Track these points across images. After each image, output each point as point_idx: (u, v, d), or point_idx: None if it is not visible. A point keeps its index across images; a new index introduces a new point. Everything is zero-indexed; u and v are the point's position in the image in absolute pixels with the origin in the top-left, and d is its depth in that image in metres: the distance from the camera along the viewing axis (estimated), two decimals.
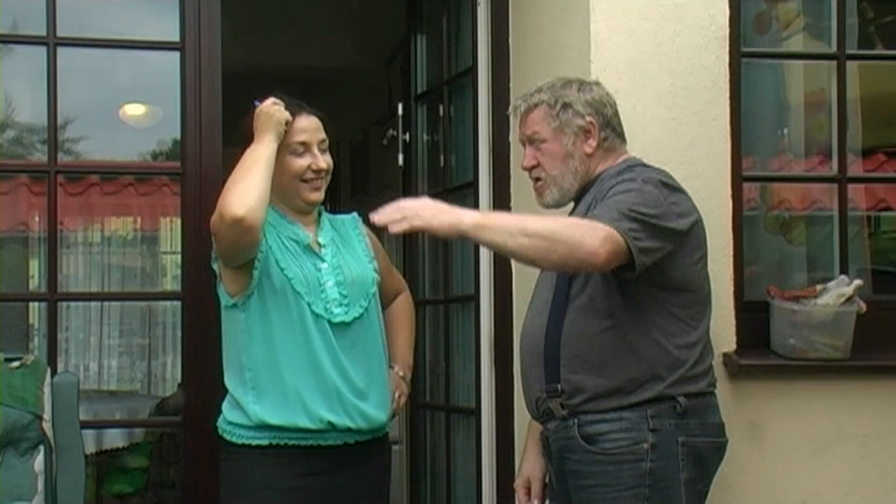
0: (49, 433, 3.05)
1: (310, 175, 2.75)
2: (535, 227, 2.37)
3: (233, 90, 3.43)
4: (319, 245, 2.79)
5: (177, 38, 3.39)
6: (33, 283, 6.15)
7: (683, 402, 2.50)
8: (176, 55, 3.39)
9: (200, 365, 3.36)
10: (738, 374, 3.05)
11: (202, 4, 3.38)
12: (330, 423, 2.66)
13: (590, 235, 2.34)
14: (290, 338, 2.67)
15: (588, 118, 2.66)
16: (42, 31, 3.33)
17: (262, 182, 2.60)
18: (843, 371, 3.12)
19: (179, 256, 3.71)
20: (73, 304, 7.07)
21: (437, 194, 3.91)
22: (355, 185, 7.08)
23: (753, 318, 3.14)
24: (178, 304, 3.61)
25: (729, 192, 3.13)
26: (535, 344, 2.62)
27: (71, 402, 3.12)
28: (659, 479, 2.47)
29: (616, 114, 2.71)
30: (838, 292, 3.08)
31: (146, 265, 7.56)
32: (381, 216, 2.39)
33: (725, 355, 3.05)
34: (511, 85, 3.52)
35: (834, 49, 3.43)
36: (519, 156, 2.82)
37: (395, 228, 2.37)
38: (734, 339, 3.11)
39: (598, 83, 2.76)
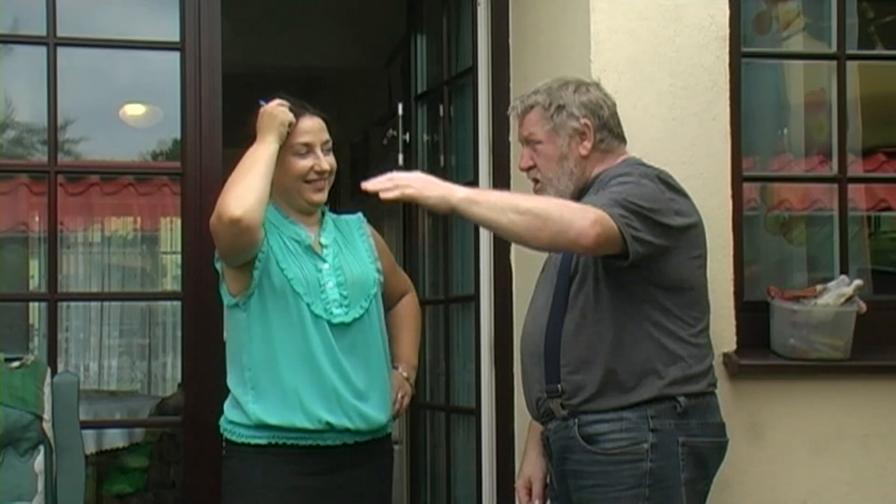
0: (49, 433, 3.05)
1: (313, 176, 2.75)
2: (526, 204, 2.39)
3: (233, 90, 3.43)
4: (321, 246, 2.79)
5: (177, 38, 3.39)
6: (33, 283, 6.15)
7: (683, 402, 2.50)
8: (176, 55, 3.39)
9: (200, 365, 3.36)
10: (738, 374, 3.05)
11: (202, 4, 3.38)
12: (328, 423, 2.66)
13: (580, 216, 2.35)
14: (289, 338, 2.67)
15: (583, 120, 2.65)
16: (42, 31, 3.34)
17: (262, 183, 2.60)
18: (843, 371, 3.12)
19: (179, 256, 3.71)
20: (73, 304, 7.08)
21: None
22: (355, 185, 7.07)
23: (753, 318, 3.14)
24: (178, 304, 3.61)
25: (729, 192, 3.13)
26: (536, 344, 2.62)
27: (71, 402, 3.12)
28: (659, 479, 2.47)
29: (613, 115, 2.70)
30: (838, 292, 3.08)
31: (146, 265, 7.57)
32: (372, 184, 2.41)
33: (725, 355, 3.05)
34: (511, 85, 3.52)
35: (834, 49, 3.43)
36: (519, 156, 2.82)
37: (385, 195, 2.39)
38: (734, 339, 3.11)
39: (596, 84, 2.75)
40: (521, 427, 3.30)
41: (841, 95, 3.41)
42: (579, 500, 2.55)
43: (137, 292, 7.63)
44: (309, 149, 2.74)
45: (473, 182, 3.62)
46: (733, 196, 3.14)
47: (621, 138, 2.72)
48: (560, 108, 2.65)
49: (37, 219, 6.09)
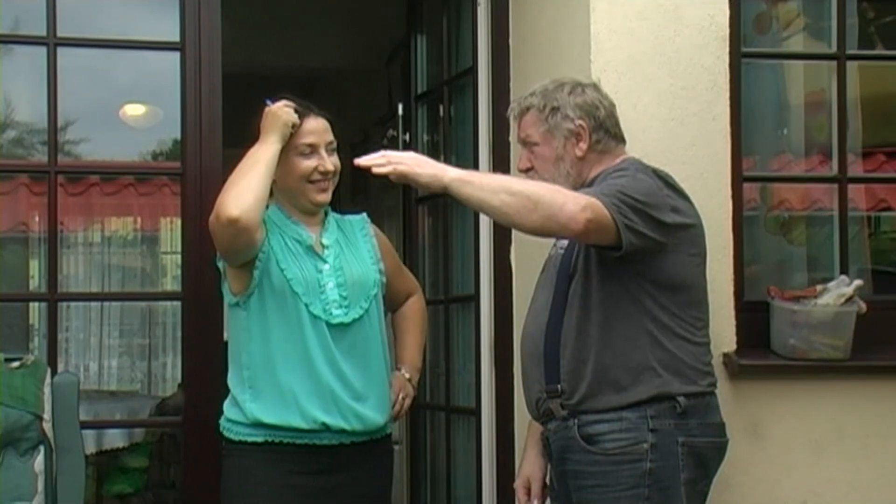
0: (49, 433, 3.05)
1: (316, 176, 2.75)
2: (518, 186, 2.41)
3: (233, 90, 3.43)
4: (323, 246, 2.79)
5: (177, 38, 3.39)
6: (33, 283, 6.15)
7: (683, 402, 2.50)
8: (176, 55, 3.39)
9: (200, 365, 3.36)
10: (738, 374, 3.05)
11: (202, 4, 3.38)
12: (324, 423, 2.66)
13: (572, 200, 2.36)
14: (286, 338, 2.68)
15: (578, 121, 2.65)
16: (42, 31, 3.34)
17: (261, 183, 2.60)
18: (843, 371, 3.12)
19: (179, 256, 3.71)
20: (73, 304, 7.08)
21: (436, 194, 3.92)
22: (355, 185, 7.11)
23: (753, 318, 3.14)
24: (178, 304, 3.61)
25: (729, 192, 3.13)
26: (536, 344, 2.62)
27: (71, 403, 3.13)
28: (659, 479, 2.47)
29: (610, 115, 2.70)
30: (838, 292, 3.08)
31: (146, 265, 7.57)
32: (365, 160, 2.44)
33: (725, 355, 3.05)
34: (511, 85, 3.52)
35: (834, 49, 3.43)
36: (517, 157, 2.83)
37: (378, 170, 2.42)
38: (734, 339, 3.11)
39: (593, 85, 2.75)
40: (521, 427, 3.30)
41: (841, 95, 3.41)
42: (579, 500, 2.55)
43: (137, 292, 7.63)
44: (313, 149, 2.74)
45: None
46: (733, 196, 3.14)
47: (619, 139, 2.72)
48: (555, 109, 2.65)
49: (37, 219, 6.09)
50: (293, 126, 2.70)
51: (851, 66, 3.46)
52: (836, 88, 3.42)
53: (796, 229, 3.58)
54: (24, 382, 3.04)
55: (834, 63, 3.43)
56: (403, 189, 4.28)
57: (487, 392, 3.58)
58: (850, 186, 3.44)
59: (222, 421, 2.77)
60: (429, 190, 2.63)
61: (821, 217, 3.55)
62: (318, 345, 2.67)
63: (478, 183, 2.42)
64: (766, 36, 3.51)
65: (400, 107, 4.39)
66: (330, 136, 2.78)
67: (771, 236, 3.57)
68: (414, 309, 3.04)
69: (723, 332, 3.04)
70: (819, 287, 3.14)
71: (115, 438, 5.55)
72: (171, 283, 7.47)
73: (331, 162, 2.76)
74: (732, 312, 3.11)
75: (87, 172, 6.07)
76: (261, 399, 2.68)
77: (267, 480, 2.67)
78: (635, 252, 2.43)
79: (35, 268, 6.25)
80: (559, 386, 2.55)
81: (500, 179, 2.49)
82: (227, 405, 2.77)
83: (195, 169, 3.36)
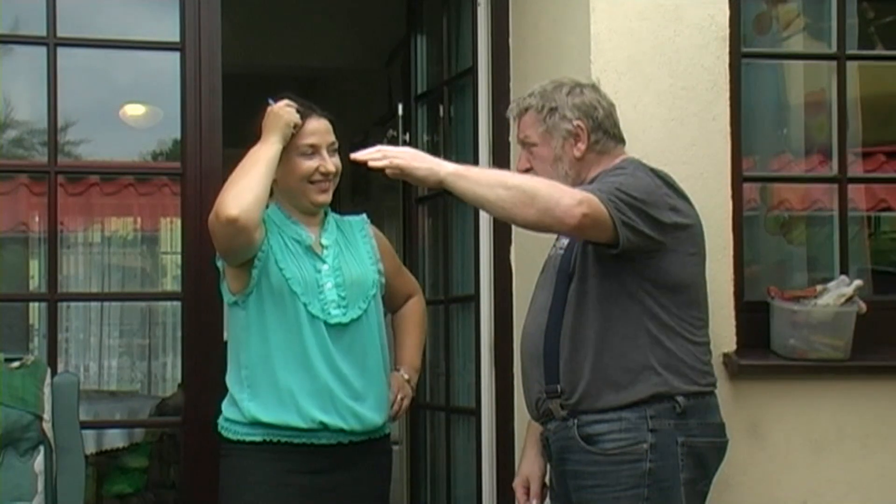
0: (49, 433, 3.05)
1: (318, 177, 2.76)
2: (515, 181, 2.43)
3: (233, 90, 3.43)
4: (322, 246, 2.79)
5: (177, 39, 3.39)
6: (33, 284, 6.16)
7: (683, 402, 2.50)
8: (176, 55, 3.39)
9: (200, 365, 3.36)
10: (738, 374, 3.05)
11: (202, 4, 3.38)
12: (322, 423, 2.66)
13: (568, 196, 2.37)
14: (284, 337, 2.68)
15: (576, 122, 2.64)
16: (42, 32, 3.34)
17: (261, 183, 2.60)
18: (843, 371, 3.11)
19: (179, 256, 3.71)
20: (73, 304, 7.09)
21: (436, 195, 3.93)
22: (356, 185, 7.11)
23: (753, 318, 3.14)
24: (178, 304, 3.61)
25: (729, 192, 3.13)
26: (535, 345, 2.62)
27: (71, 403, 3.13)
28: (658, 479, 2.47)
29: (609, 116, 2.69)
30: (838, 292, 3.07)
31: (146, 265, 7.58)
32: (362, 154, 2.45)
33: (725, 355, 3.05)
34: (511, 85, 3.52)
35: (834, 49, 3.43)
36: (517, 157, 2.83)
37: (374, 164, 2.43)
38: (734, 339, 3.11)
39: (592, 86, 2.74)
40: (520, 427, 3.30)
41: (841, 95, 3.41)
42: (579, 500, 2.55)
43: (137, 292, 7.63)
44: (315, 150, 2.75)
45: None
46: (733, 196, 3.14)
47: (618, 139, 2.71)
48: (553, 110, 2.65)
49: (37, 219, 6.10)
50: (295, 126, 2.70)
51: (851, 66, 3.46)
52: (836, 88, 3.42)
53: (796, 229, 3.58)
54: (24, 382, 3.04)
55: (834, 63, 3.43)
56: (403, 189, 4.28)
57: (487, 392, 3.58)
58: (850, 186, 3.44)
59: (220, 420, 2.77)
60: (425, 185, 2.64)
61: (821, 217, 3.55)
62: (316, 344, 2.67)
63: (474, 177, 2.43)
64: (766, 36, 3.51)
65: (400, 107, 4.39)
66: (332, 137, 2.78)
67: (771, 236, 3.57)
68: (413, 310, 3.04)
69: (723, 332, 3.04)
70: (819, 287, 3.14)
71: (114, 438, 5.55)
72: (170, 283, 7.48)
73: (332, 163, 2.77)
74: (732, 312, 3.11)
75: (87, 172, 6.07)
76: (259, 398, 2.68)
77: (265, 480, 2.67)
78: (633, 250, 2.43)
79: (35, 268, 6.26)
80: (559, 386, 2.55)
81: (496, 174, 2.51)
82: (225, 404, 2.77)
83: (195, 169, 3.36)
